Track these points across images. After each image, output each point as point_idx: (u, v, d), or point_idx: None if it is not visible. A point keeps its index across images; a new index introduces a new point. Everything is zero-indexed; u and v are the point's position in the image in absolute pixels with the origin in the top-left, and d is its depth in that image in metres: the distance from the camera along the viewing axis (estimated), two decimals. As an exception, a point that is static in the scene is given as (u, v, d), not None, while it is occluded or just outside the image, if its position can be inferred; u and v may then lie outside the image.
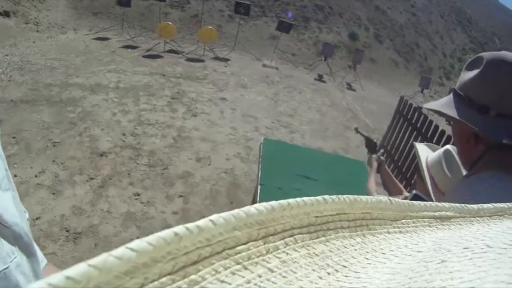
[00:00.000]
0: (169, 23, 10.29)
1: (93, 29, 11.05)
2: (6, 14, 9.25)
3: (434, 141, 4.59)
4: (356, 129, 2.77)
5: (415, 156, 1.73)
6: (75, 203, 3.73)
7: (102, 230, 3.47)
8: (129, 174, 4.38)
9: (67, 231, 3.36)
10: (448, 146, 1.55)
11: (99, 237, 3.39)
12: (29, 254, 0.83)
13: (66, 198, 3.76)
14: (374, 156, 2.21)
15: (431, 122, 5.00)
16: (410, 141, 5.38)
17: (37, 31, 9.70)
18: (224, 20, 13.70)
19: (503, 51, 1.02)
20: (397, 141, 5.91)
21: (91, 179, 4.16)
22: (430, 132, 4.93)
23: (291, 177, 3.25)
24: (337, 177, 3.47)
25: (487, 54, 1.04)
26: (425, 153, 1.70)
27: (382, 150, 2.28)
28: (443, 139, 4.54)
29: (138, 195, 4.06)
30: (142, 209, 3.87)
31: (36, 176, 3.98)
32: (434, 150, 1.70)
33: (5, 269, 0.71)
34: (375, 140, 2.47)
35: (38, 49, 8.36)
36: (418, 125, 5.30)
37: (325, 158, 4.20)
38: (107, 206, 3.79)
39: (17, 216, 0.80)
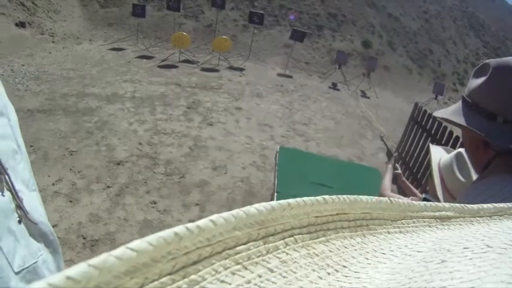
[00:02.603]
0: (184, 33, 10.36)
1: (108, 39, 11.19)
2: (22, 25, 9.42)
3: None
4: (381, 137, 2.76)
5: (430, 162, 1.71)
6: (92, 210, 3.76)
7: (119, 238, 3.48)
8: (145, 182, 4.40)
9: (84, 238, 3.39)
10: (460, 149, 1.54)
11: (116, 244, 3.40)
12: (54, 251, 0.86)
13: (83, 206, 3.80)
14: (391, 163, 2.19)
15: (445, 128, 4.93)
16: (425, 147, 5.32)
17: (53, 42, 9.87)
18: (238, 30, 13.76)
19: (509, 57, 1.02)
20: (412, 148, 5.85)
21: (108, 187, 4.19)
22: (444, 139, 4.87)
23: (306, 185, 3.24)
24: (352, 184, 3.45)
25: (493, 61, 1.04)
26: (439, 154, 1.69)
27: (400, 161, 2.24)
28: (458, 145, 4.48)
29: (155, 203, 4.08)
30: (159, 217, 3.88)
31: (53, 184, 4.03)
32: (449, 153, 1.69)
33: (34, 263, 0.75)
34: (394, 154, 2.45)
35: (53, 59, 8.49)
36: (433, 132, 5.24)
37: (340, 165, 4.18)
38: (123, 214, 3.81)
39: (43, 215, 0.84)
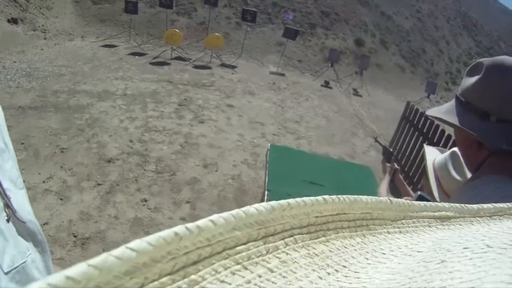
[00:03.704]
0: (176, 30, 10.33)
1: (100, 36, 11.13)
2: (14, 21, 9.33)
3: (440, 146, 4.56)
4: (375, 138, 2.77)
5: (422, 161, 1.71)
6: (82, 208, 3.74)
7: (109, 236, 3.47)
8: (136, 180, 4.38)
9: (75, 236, 3.37)
10: (454, 148, 1.54)
11: (106, 242, 3.39)
12: (42, 250, 0.86)
13: (73, 204, 3.77)
14: (389, 164, 2.19)
15: (437, 126, 4.97)
16: (417, 146, 5.35)
17: (44, 38, 9.79)
18: (231, 27, 13.74)
19: (502, 56, 1.02)
20: (404, 147, 5.89)
21: (98, 184, 4.17)
22: (436, 137, 4.90)
23: (297, 183, 3.23)
24: (343, 182, 3.46)
25: (486, 60, 1.04)
26: (434, 155, 1.69)
27: (394, 157, 2.23)
28: (450, 144, 4.52)
29: (146, 201, 4.06)
30: (149, 215, 3.87)
31: (44, 182, 4.00)
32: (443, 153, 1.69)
33: (23, 263, 0.74)
34: (391, 149, 2.44)
35: (45, 56, 8.43)
36: (425, 130, 5.27)
37: (332, 163, 4.18)
38: (114, 211, 3.80)
39: (31, 213, 0.83)
